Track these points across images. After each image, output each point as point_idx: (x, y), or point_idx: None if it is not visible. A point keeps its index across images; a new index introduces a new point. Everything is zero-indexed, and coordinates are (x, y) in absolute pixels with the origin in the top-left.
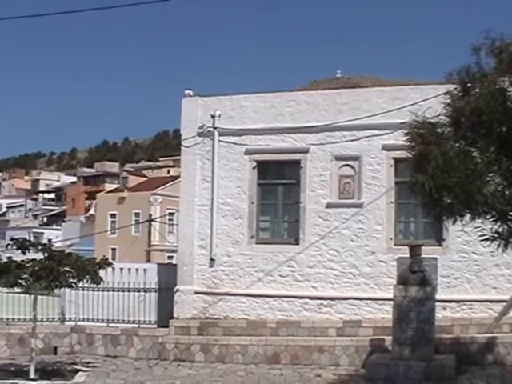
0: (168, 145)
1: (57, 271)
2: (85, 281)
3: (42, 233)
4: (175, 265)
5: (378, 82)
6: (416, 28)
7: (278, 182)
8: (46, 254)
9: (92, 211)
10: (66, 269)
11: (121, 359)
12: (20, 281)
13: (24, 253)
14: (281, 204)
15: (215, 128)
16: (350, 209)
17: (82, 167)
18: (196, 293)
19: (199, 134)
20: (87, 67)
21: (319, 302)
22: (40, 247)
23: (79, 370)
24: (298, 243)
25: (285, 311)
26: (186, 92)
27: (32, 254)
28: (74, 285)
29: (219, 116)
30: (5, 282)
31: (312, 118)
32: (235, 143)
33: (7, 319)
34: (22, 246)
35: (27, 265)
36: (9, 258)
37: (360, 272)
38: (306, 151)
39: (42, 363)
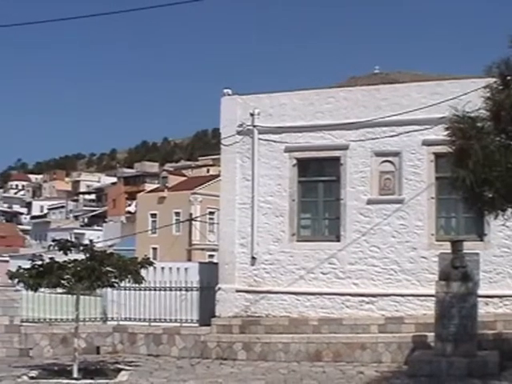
0: (207, 144)
1: (99, 271)
2: (126, 280)
3: (83, 233)
4: (216, 263)
5: (416, 77)
6: (453, 22)
7: (318, 179)
8: (87, 255)
9: (133, 207)
10: (108, 269)
11: (163, 358)
12: (62, 281)
13: (66, 253)
14: (321, 201)
15: (255, 126)
16: (391, 205)
17: (122, 168)
18: (237, 291)
19: (239, 133)
20: (125, 68)
21: (361, 298)
22: (82, 248)
23: (122, 370)
24: (339, 240)
25: (326, 308)
26: (225, 91)
27: (74, 255)
28: (116, 285)
29: (258, 114)
30: (47, 282)
31: (351, 114)
32: (275, 141)
33: (50, 319)
34: (64, 246)
35: (69, 265)
36: (51, 258)
37: (402, 268)
38: (345, 148)
39: (84, 363)
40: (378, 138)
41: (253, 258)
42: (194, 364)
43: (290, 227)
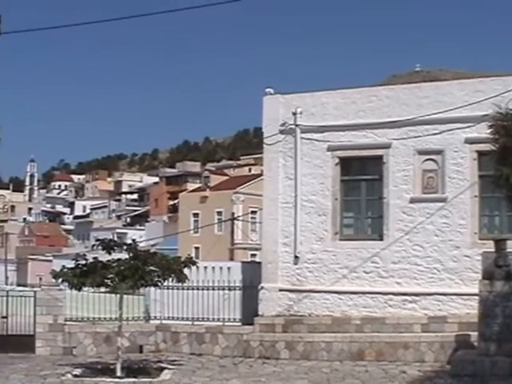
0: (249, 143)
1: (142, 270)
2: (169, 280)
3: (126, 233)
4: (259, 263)
5: (457, 75)
6: (494, 18)
7: (360, 178)
8: (131, 254)
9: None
10: (152, 268)
11: (206, 357)
12: (106, 280)
13: (109, 253)
14: (364, 200)
15: (297, 125)
16: (434, 203)
17: (164, 167)
18: (280, 290)
19: (281, 132)
20: (167, 69)
21: (404, 297)
22: (125, 247)
23: (165, 368)
24: (381, 239)
25: (369, 307)
26: (267, 90)
27: (117, 254)
28: (159, 284)
29: (300, 113)
30: (91, 281)
31: (393, 112)
32: (317, 140)
33: (93, 318)
34: (108, 246)
35: (113, 265)
36: (95, 258)
37: (445, 267)
38: (388, 146)
39: (127, 361)
40: (420, 137)
41: (296, 257)
42: (236, 363)
43: (333, 226)
